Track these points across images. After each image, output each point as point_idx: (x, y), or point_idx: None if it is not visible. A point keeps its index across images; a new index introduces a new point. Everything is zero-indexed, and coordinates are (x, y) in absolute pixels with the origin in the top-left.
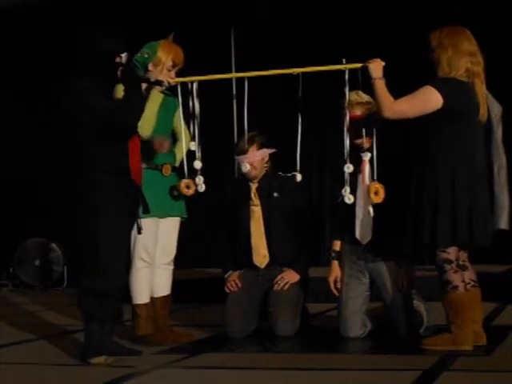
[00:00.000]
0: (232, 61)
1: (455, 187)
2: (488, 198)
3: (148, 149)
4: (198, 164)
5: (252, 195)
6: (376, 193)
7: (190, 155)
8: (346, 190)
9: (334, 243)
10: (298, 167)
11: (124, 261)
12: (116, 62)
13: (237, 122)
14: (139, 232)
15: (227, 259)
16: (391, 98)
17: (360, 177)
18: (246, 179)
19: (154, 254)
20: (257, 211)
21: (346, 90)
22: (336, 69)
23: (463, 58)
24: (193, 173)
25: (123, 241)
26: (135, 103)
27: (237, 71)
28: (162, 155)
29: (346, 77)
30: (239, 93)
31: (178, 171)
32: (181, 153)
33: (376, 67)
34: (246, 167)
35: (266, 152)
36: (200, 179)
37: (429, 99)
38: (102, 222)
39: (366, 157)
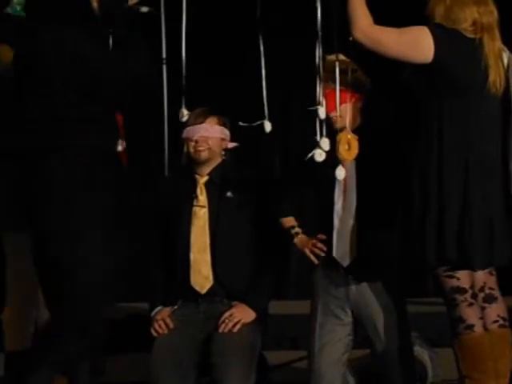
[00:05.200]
0: None
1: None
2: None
3: None
4: None
5: (198, 191)
6: (349, 147)
7: None
8: (322, 141)
9: (285, 220)
10: (267, 113)
11: None
12: None
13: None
14: None
15: (156, 290)
16: (369, 18)
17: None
18: (191, 167)
19: None
20: (202, 214)
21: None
22: None
23: (467, 8)
24: None
25: None
26: None
27: None
28: None
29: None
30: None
31: None
32: None
33: None
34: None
35: (227, 134)
36: None
37: (418, 43)
38: None
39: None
